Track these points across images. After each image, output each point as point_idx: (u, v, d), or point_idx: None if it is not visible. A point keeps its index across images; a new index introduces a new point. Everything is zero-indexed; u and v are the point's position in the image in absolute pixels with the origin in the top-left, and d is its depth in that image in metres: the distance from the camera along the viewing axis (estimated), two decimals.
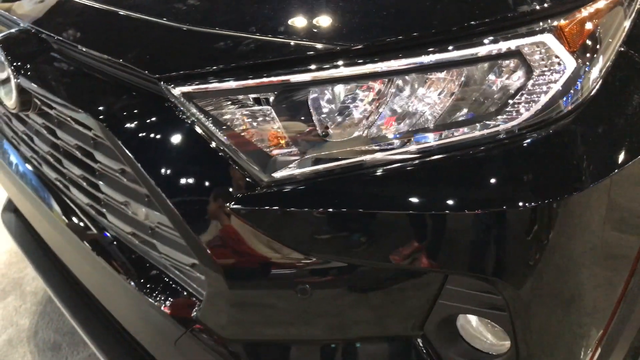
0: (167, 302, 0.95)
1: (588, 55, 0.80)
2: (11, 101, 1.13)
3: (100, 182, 1.01)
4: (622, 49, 0.83)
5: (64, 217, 1.16)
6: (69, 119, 1.01)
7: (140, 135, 0.86)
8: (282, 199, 0.81)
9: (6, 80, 1.13)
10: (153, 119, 0.86)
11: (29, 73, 1.06)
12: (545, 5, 0.77)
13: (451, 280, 0.81)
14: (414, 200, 0.78)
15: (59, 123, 1.09)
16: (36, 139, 1.21)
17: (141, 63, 0.86)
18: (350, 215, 0.80)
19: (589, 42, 0.80)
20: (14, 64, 1.08)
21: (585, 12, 0.80)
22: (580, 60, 0.78)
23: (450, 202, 0.77)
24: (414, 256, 0.79)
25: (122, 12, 0.95)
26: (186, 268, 0.93)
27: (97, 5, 1.01)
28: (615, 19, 0.84)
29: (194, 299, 0.93)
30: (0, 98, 1.18)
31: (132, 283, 0.99)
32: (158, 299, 0.96)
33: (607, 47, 0.82)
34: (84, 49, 0.94)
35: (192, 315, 0.92)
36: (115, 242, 1.06)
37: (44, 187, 1.25)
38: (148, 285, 0.98)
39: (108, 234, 1.09)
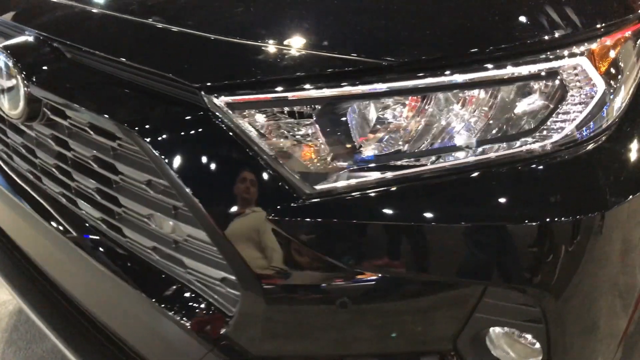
0: (191, 319, 0.92)
1: (613, 79, 0.85)
2: (17, 110, 1.08)
3: (119, 195, 0.97)
4: None
5: (68, 233, 1.11)
6: (87, 128, 0.98)
7: (176, 145, 0.84)
8: (323, 211, 0.81)
9: (12, 89, 1.08)
10: (190, 128, 0.85)
11: (43, 81, 1.02)
12: (580, 30, 0.82)
13: (489, 293, 0.82)
14: (457, 214, 0.80)
15: (71, 134, 1.05)
16: (38, 151, 1.16)
17: (180, 73, 0.85)
18: (392, 228, 0.80)
19: (613, 67, 0.85)
20: (25, 71, 1.04)
21: (611, 39, 0.85)
22: (610, 82, 0.83)
23: (493, 215, 0.79)
24: (456, 268, 0.80)
25: (159, 25, 0.94)
26: (215, 283, 0.90)
27: (127, 16, 0.99)
28: (632, 50, 0.90)
29: (221, 314, 0.91)
30: (1, 107, 1.12)
31: (150, 299, 0.95)
32: (180, 315, 0.92)
33: (630, 71, 0.87)
34: (116, 59, 0.92)
35: (222, 331, 0.89)
36: (129, 257, 1.02)
37: (42, 202, 1.19)
38: (168, 302, 0.94)
39: (119, 249, 1.04)
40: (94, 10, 1.06)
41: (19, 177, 1.28)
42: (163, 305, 0.94)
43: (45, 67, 1.04)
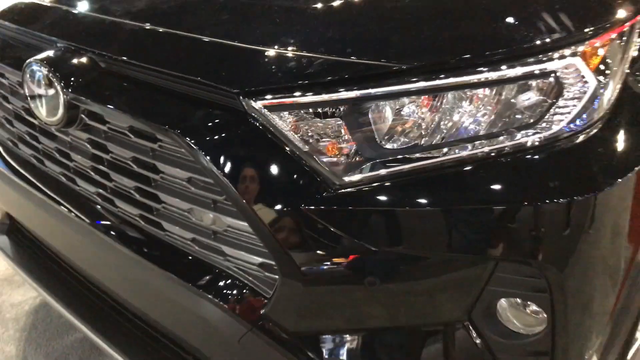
0: (231, 301, 1.01)
1: (603, 75, 0.96)
2: (55, 117, 1.16)
3: (159, 192, 1.07)
4: (627, 72, 1.00)
5: (107, 230, 1.20)
6: (126, 132, 1.07)
7: (219, 145, 0.93)
8: (351, 200, 0.91)
9: (50, 97, 1.16)
10: (230, 130, 0.95)
11: (83, 89, 1.11)
12: (573, 33, 0.93)
13: (500, 268, 0.93)
14: (471, 199, 0.90)
15: (108, 137, 1.14)
16: (73, 154, 1.24)
17: (220, 80, 0.94)
18: (414, 212, 0.91)
19: (603, 65, 0.96)
20: (64, 80, 1.12)
21: (600, 40, 0.96)
22: (600, 78, 0.94)
23: (501, 199, 0.90)
24: (472, 246, 0.91)
25: (193, 35, 1.03)
26: (252, 268, 1.00)
27: (160, 29, 1.08)
28: (619, 47, 1.02)
29: (259, 296, 1.01)
30: (38, 115, 1.21)
31: (192, 286, 1.05)
32: (221, 298, 1.02)
33: (617, 68, 0.99)
34: (157, 69, 1.01)
35: (261, 312, 0.99)
36: (168, 248, 1.11)
37: (77, 202, 1.27)
38: (209, 287, 1.04)
39: (156, 242, 1.14)
40: (126, 21, 1.15)
41: (49, 180, 1.37)
42: (205, 291, 1.03)
43: (84, 76, 1.12)
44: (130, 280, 1.22)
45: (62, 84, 1.12)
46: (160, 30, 1.09)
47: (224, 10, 1.11)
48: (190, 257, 1.08)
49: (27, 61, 1.17)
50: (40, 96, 1.18)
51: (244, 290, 1.02)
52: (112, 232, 1.20)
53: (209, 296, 1.02)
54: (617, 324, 1.09)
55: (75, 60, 1.15)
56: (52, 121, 1.18)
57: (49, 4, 1.36)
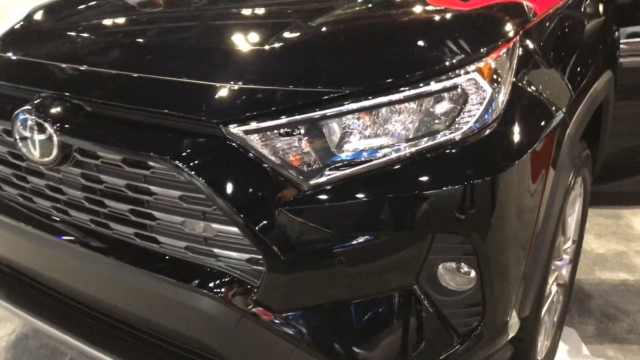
0: (226, 293, 1.23)
1: (496, 83, 1.26)
2: (50, 157, 1.34)
3: (153, 211, 1.27)
4: (514, 79, 1.31)
5: (103, 250, 1.38)
6: (120, 163, 1.26)
7: (206, 166, 1.16)
8: (319, 198, 1.16)
9: (43, 141, 1.33)
10: (214, 152, 1.17)
11: (75, 131, 1.29)
12: (471, 55, 1.23)
13: (436, 239, 1.20)
14: (407, 187, 1.17)
15: (100, 170, 1.32)
16: (65, 188, 1.42)
17: (202, 113, 1.17)
18: (367, 202, 1.16)
19: (495, 75, 1.26)
20: (58, 124, 1.30)
21: (492, 57, 1.26)
22: (494, 86, 1.24)
23: (431, 185, 1.17)
24: (414, 223, 1.18)
25: (170, 78, 1.25)
26: (241, 264, 1.22)
27: (142, 74, 1.29)
28: (507, 60, 1.32)
29: (249, 286, 1.23)
30: (30, 157, 1.37)
31: (190, 285, 1.25)
32: (215, 292, 1.23)
33: (506, 76, 1.29)
34: (145, 109, 1.22)
35: (253, 298, 1.21)
36: (164, 259, 1.31)
37: (71, 229, 1.44)
38: (204, 284, 1.25)
39: (151, 254, 1.33)
40: (108, 70, 1.35)
41: (38, 214, 1.52)
42: (201, 288, 1.24)
43: (74, 120, 1.31)
44: (129, 291, 1.40)
45: (55, 127, 1.30)
46: (145, 75, 1.30)
47: (196, 53, 1.34)
48: (184, 263, 1.29)
49: (18, 110, 1.34)
50: (33, 140, 1.35)
51: (235, 283, 1.24)
52: (108, 252, 1.38)
53: (205, 292, 1.24)
54: (527, 283, 1.40)
55: (62, 107, 1.33)
56: (46, 161, 1.35)
57: (28, 59, 1.53)
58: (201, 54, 1.35)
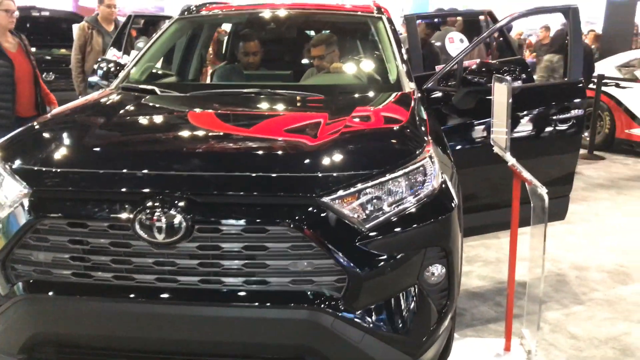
0: (322, 305, 1.93)
1: (433, 164, 2.28)
2: (175, 237, 1.88)
3: (267, 261, 1.92)
4: (444, 162, 2.36)
5: (213, 301, 1.95)
6: (241, 232, 1.90)
7: (310, 224, 1.90)
8: (370, 239, 1.99)
9: (171, 226, 1.88)
10: (313, 214, 1.92)
11: (203, 213, 1.90)
12: (422, 148, 2.25)
13: (428, 251, 2.13)
14: (413, 222, 2.09)
15: (219, 239, 1.92)
16: (176, 260, 1.94)
17: (302, 190, 1.94)
18: (394, 234, 2.04)
19: (433, 157, 2.29)
20: (185, 211, 1.88)
21: (429, 147, 2.30)
22: (434, 164, 2.26)
23: (415, 225, 2.11)
24: (420, 243, 2.09)
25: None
26: (329, 282, 1.95)
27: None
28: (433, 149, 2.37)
29: (334, 297, 1.95)
30: (153, 240, 1.88)
31: (297, 305, 1.92)
32: (315, 305, 1.93)
33: (435, 160, 2.33)
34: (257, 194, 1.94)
35: (339, 305, 1.94)
36: (271, 292, 1.95)
37: (177, 295, 1.95)
38: (308, 302, 1.93)
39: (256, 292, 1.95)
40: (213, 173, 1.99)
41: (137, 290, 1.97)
42: (307, 304, 1.92)
43: (200, 208, 1.90)
44: (232, 325, 1.97)
45: (184, 213, 1.88)
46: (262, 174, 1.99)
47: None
48: (285, 291, 1.96)
49: (141, 206, 1.88)
50: (159, 228, 1.88)
51: (326, 297, 1.95)
52: (219, 300, 1.94)
53: (309, 306, 1.92)
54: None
55: (188, 199, 1.92)
56: (171, 240, 1.89)
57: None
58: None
